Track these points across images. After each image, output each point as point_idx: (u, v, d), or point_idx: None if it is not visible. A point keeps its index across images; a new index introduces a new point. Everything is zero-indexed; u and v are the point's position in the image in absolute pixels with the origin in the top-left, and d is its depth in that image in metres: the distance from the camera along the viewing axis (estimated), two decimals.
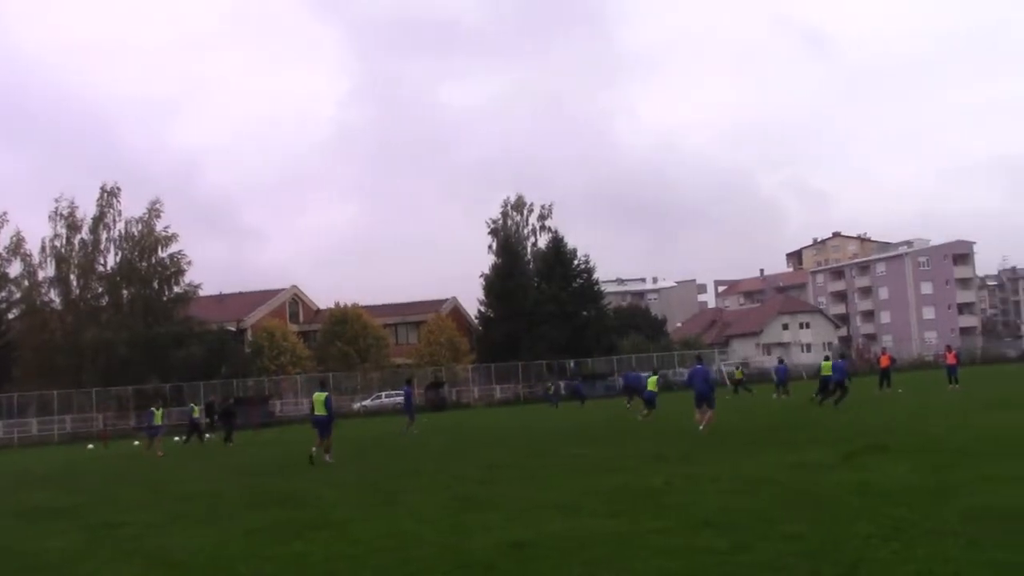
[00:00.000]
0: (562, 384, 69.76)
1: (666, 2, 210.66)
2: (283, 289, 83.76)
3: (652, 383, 32.09)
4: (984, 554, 7.40)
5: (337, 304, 77.38)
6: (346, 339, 71.88)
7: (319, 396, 22.47)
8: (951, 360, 39.17)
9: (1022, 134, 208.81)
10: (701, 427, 22.21)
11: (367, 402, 65.96)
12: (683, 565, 7.89)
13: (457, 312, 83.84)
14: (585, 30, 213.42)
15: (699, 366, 24.13)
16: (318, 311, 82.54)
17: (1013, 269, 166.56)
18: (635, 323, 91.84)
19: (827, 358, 34.33)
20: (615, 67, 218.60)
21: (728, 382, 52.20)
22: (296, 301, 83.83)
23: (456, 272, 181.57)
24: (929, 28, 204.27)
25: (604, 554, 8.55)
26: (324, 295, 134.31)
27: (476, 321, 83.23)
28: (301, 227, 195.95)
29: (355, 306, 75.90)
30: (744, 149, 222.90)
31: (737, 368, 49.67)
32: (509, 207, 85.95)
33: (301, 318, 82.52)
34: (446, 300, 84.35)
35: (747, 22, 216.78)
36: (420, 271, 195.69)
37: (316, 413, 22.25)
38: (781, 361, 48.97)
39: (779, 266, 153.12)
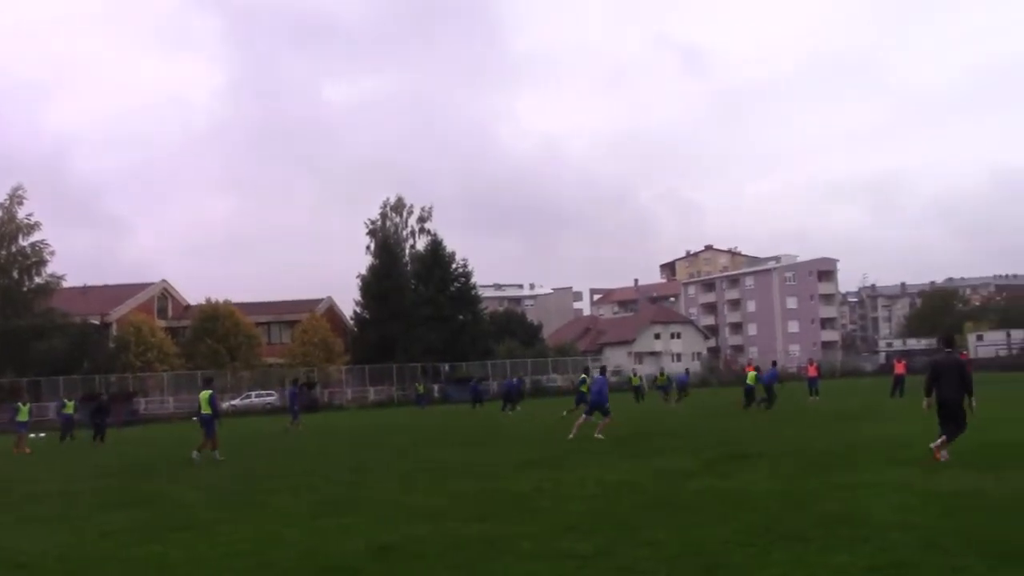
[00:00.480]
0: (435, 387, 69.67)
1: (551, 11, 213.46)
2: (152, 283, 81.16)
3: (585, 387, 31.68)
4: (835, 558, 7.66)
5: (208, 300, 75.50)
6: (216, 337, 70.17)
7: (204, 394, 22.29)
8: (812, 372, 40.66)
9: (883, 156, 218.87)
10: (597, 433, 22.45)
11: (236, 401, 64.48)
12: (547, 569, 7.93)
13: (332, 312, 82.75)
14: (469, 34, 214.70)
15: (600, 376, 24.33)
16: (188, 307, 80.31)
17: (872, 287, 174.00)
18: (511, 328, 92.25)
19: (756, 368, 35.66)
20: (498, 72, 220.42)
21: (646, 388, 52.81)
22: (165, 296, 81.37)
23: (333, 272, 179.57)
24: (801, 51, 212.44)
25: (469, 558, 8.53)
26: (195, 291, 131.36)
27: (352, 322, 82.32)
28: (173, 220, 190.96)
29: (227, 303, 74.16)
30: (623, 160, 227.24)
31: (661, 374, 50.04)
32: (388, 208, 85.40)
33: (170, 314, 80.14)
34: (321, 300, 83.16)
35: (629, 36, 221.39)
36: (296, 270, 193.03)
37: (201, 411, 21.99)
38: (687, 371, 50.62)
39: (653, 276, 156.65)
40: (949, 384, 13.73)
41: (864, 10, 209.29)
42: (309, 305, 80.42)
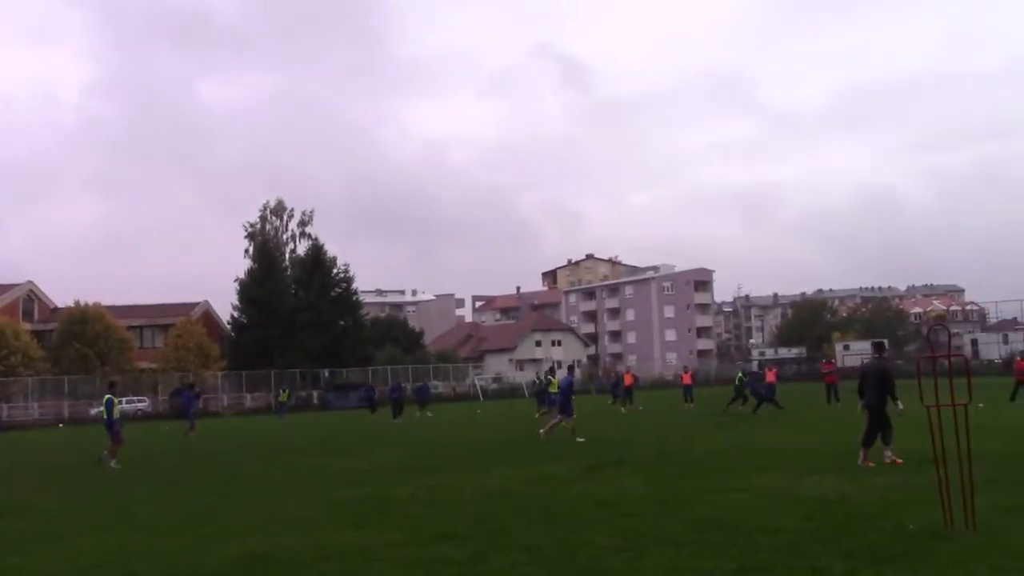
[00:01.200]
0: (314, 394, 68.66)
1: (436, 18, 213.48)
2: (17, 284, 77.84)
3: (554, 386, 30.95)
4: (705, 562, 7.82)
5: (77, 303, 72.72)
6: (85, 340, 67.59)
7: (105, 398, 21.98)
8: (687, 380, 41.61)
9: (757, 171, 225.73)
10: (543, 432, 22.83)
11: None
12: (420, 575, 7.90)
13: (209, 317, 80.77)
14: (352, 37, 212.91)
15: (568, 376, 24.27)
16: (55, 309, 77.27)
17: (746, 297, 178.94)
18: (392, 335, 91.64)
19: (686, 368, 36.17)
20: (382, 77, 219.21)
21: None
22: (31, 298, 78.10)
23: (210, 276, 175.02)
24: (679, 67, 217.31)
25: (341, 567, 8.42)
26: (64, 293, 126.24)
27: (229, 327, 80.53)
28: (41, 219, 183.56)
29: (96, 305, 71.54)
30: (506, 168, 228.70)
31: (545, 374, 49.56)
32: (268, 211, 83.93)
33: (36, 316, 76.97)
34: (198, 304, 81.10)
35: (512, 46, 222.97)
36: (171, 273, 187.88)
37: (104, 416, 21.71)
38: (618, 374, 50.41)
39: (535, 284, 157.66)
40: (871, 388, 14.38)
41: (740, 29, 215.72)
42: (184, 309, 78.31)
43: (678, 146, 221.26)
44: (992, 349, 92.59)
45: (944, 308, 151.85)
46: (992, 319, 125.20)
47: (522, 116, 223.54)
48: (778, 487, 12.20)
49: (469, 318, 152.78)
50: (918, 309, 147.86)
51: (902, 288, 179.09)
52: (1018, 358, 25.76)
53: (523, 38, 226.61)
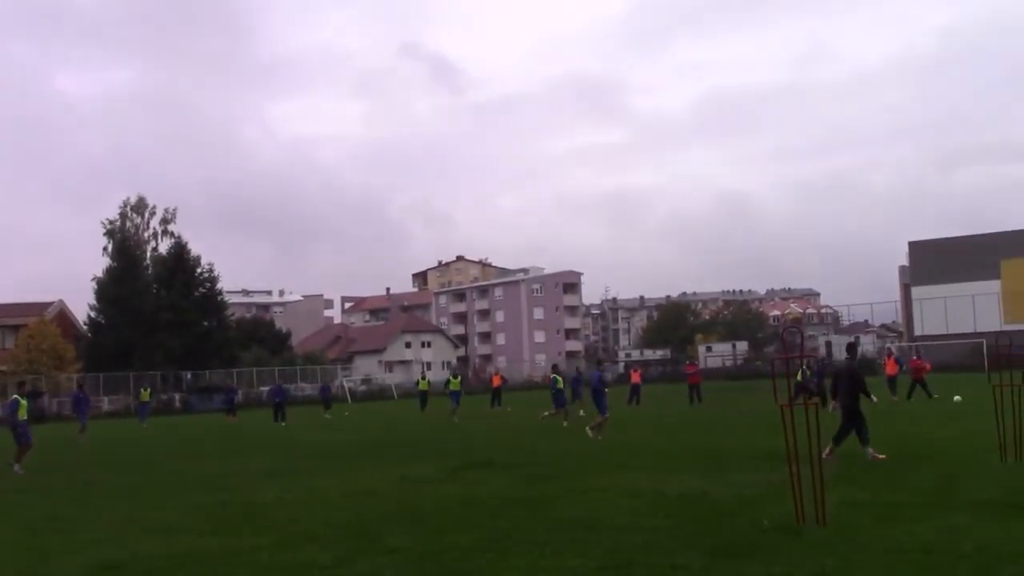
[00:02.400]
0: (176, 396, 66.74)
1: (303, 16, 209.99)
2: None
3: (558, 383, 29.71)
4: (568, 561, 7.93)
5: None
6: None
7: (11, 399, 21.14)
8: (636, 379, 42.15)
9: (624, 175, 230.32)
10: (591, 431, 21.52)
11: None
12: None
13: (64, 317, 77.54)
14: (217, 33, 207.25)
15: (597, 371, 23.39)
16: None
17: (614, 300, 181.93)
18: (258, 336, 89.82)
19: (631, 366, 35.70)
20: (248, 74, 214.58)
21: (349, 398, 51.96)
22: None
23: (65, 275, 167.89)
24: (547, 73, 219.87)
25: (201, 573, 8.22)
26: None
27: (85, 327, 77.52)
28: None
29: None
30: (375, 168, 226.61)
31: (423, 378, 47.42)
32: (128, 208, 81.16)
33: None
34: (52, 303, 77.81)
35: (379, 45, 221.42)
36: (22, 271, 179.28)
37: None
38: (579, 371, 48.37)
39: (405, 285, 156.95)
40: (843, 389, 14.86)
41: (609, 37, 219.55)
42: (37, 309, 74.96)
43: (547, 150, 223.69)
44: (844, 350, 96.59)
45: (801, 311, 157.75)
46: (845, 322, 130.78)
47: (391, 116, 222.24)
48: (641, 486, 12.46)
49: (338, 319, 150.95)
50: (777, 312, 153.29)
51: (762, 292, 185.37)
52: (913, 357, 26.57)
53: (393, 38, 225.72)
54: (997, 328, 71.94)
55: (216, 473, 17.55)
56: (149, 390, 49.48)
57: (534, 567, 7.81)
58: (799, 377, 24.83)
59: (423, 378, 45.07)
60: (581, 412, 29.25)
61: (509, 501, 11.64)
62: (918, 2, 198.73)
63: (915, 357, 29.08)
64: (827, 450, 13.48)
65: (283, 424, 36.38)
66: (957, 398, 27.45)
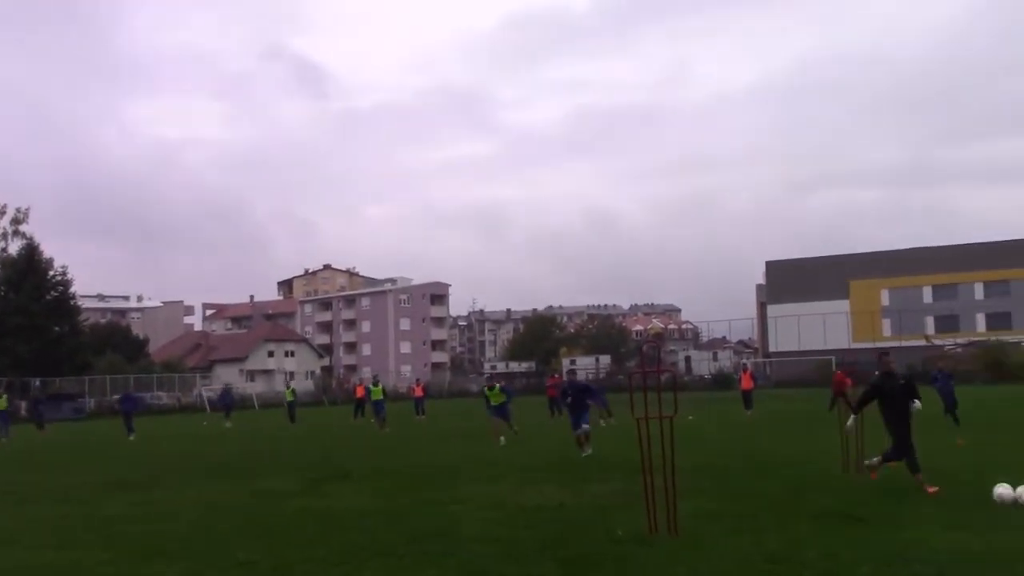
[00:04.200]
0: (22, 404, 63.69)
1: (165, 15, 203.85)
2: None
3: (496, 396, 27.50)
4: (424, 572, 7.88)
5: None
6: None
7: None
8: (419, 393, 42.06)
9: (493, 188, 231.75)
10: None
11: None
12: None
13: None
14: (74, 30, 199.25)
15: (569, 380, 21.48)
16: None
17: (481, 312, 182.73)
18: (113, 342, 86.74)
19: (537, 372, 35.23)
20: (104, 73, 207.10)
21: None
22: None
23: None
24: (417, 84, 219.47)
25: None
26: None
27: None
28: None
29: None
30: (240, 174, 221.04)
31: (288, 388, 45.41)
32: None
33: None
34: None
35: (251, 50, 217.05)
36: None
37: None
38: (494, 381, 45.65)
39: (270, 293, 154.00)
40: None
41: (481, 50, 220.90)
42: None
43: (416, 160, 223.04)
44: (703, 365, 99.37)
45: (663, 326, 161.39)
46: (704, 337, 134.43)
47: (257, 121, 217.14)
48: (499, 498, 12.50)
49: (199, 326, 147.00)
50: (639, 327, 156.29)
51: (626, 307, 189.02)
52: (837, 371, 26.69)
53: (260, 42, 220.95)
54: (846, 346, 75.30)
55: (60, 484, 16.82)
56: (5, 396, 39.95)
57: None
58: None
59: (288, 388, 44.42)
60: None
61: (365, 513, 11.50)
62: (776, 33, 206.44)
63: (838, 371, 29.51)
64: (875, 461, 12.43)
65: (131, 437, 33.01)
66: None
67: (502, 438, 22.97)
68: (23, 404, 64.33)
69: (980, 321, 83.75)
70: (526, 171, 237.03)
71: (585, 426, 18.50)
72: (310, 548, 9.24)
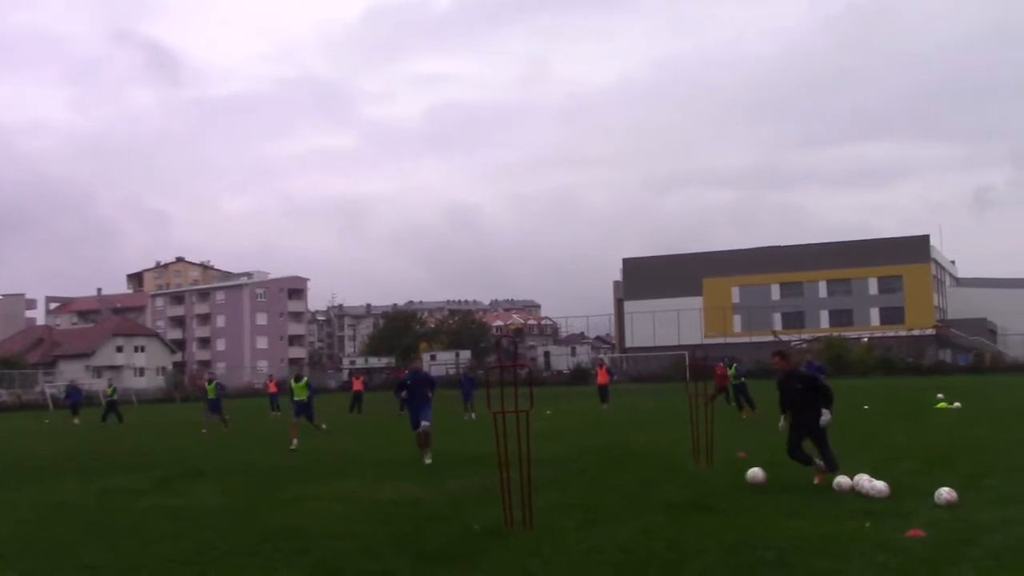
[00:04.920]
0: None
1: None
2: None
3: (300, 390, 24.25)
4: (278, 571, 7.76)
5: None
6: None
7: None
8: (272, 389, 41.52)
9: (352, 183, 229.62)
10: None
11: None
12: None
13: None
14: None
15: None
16: None
17: (340, 306, 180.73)
18: None
19: (354, 374, 34.09)
20: None
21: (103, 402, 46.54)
22: None
23: None
24: (277, 74, 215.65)
25: None
26: None
27: None
28: None
29: None
30: (86, 162, 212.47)
31: (109, 385, 43.28)
32: None
33: None
34: None
35: (99, 34, 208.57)
36: None
37: None
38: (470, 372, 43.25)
39: (120, 287, 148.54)
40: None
41: (344, 42, 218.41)
42: None
43: (275, 152, 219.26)
44: (562, 360, 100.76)
45: (522, 322, 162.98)
46: (563, 333, 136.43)
47: (104, 108, 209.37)
48: (355, 493, 12.41)
49: (42, 320, 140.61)
50: (499, 322, 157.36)
51: (486, 302, 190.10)
52: (720, 363, 27.05)
53: (110, 26, 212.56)
54: (699, 340, 77.61)
55: None
56: None
57: None
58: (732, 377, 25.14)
59: (110, 385, 42.61)
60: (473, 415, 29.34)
61: (217, 511, 11.24)
62: (635, 35, 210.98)
63: (721, 363, 30.07)
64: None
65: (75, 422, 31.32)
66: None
67: (295, 440, 20.73)
68: None
69: (824, 318, 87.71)
70: (387, 166, 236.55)
71: (425, 423, 15.97)
72: (158, 547, 8.99)
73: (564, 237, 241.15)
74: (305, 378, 23.65)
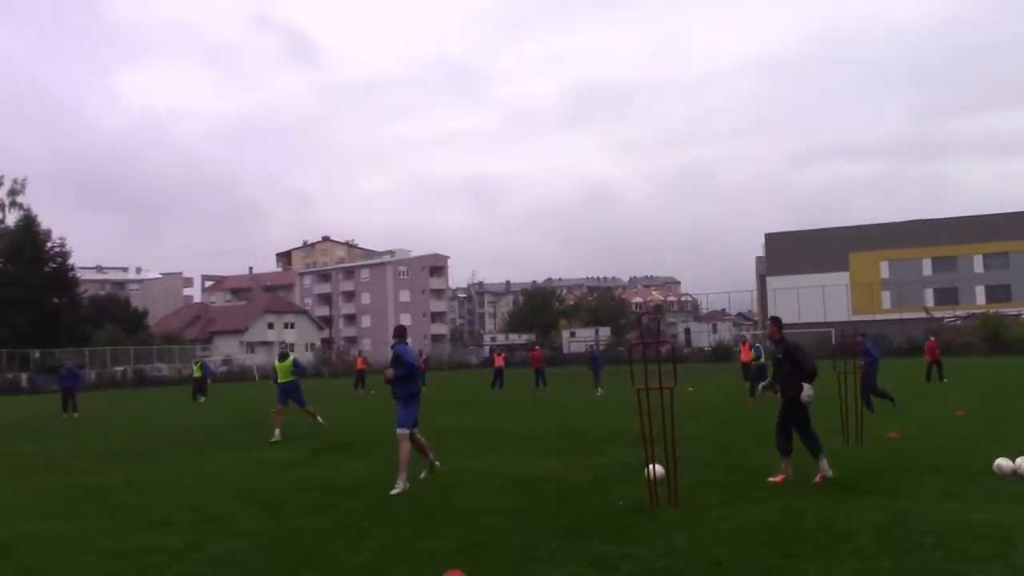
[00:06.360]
0: (23, 376, 63.82)
1: None
2: None
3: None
4: (424, 542, 7.92)
5: None
6: None
7: None
8: (360, 365, 42.94)
9: (489, 161, 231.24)
10: None
11: None
12: (132, 566, 7.52)
13: None
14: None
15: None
16: None
17: (480, 284, 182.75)
18: (113, 314, 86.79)
19: (496, 350, 35.17)
20: (93, 43, 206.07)
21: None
22: None
23: None
24: (413, 56, 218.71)
25: (43, 558, 7.88)
26: None
27: None
28: None
29: None
30: (234, 145, 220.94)
31: (197, 363, 41.04)
32: None
33: None
34: None
35: (233, 16, 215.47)
36: None
37: None
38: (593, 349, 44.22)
39: (269, 265, 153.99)
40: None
41: (476, 23, 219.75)
42: None
43: (413, 132, 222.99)
44: (703, 337, 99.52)
45: (662, 299, 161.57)
46: (704, 310, 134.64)
47: (249, 92, 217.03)
48: (498, 468, 12.56)
49: (198, 298, 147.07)
50: (639, 299, 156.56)
51: (625, 279, 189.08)
52: (745, 342, 26.81)
53: (249, 12, 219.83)
54: (845, 318, 75.35)
55: (59, 455, 16.89)
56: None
57: (389, 549, 7.76)
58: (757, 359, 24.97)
59: (197, 363, 40.67)
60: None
61: (365, 484, 11.54)
62: (775, 6, 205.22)
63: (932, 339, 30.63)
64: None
65: (75, 415, 29.28)
66: None
67: (277, 431, 18.29)
68: (24, 376, 64.52)
69: (980, 293, 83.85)
70: (524, 143, 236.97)
71: (402, 430, 11.34)
72: (311, 517, 9.29)
73: (702, 212, 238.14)
74: (292, 356, 20.01)
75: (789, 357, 10.62)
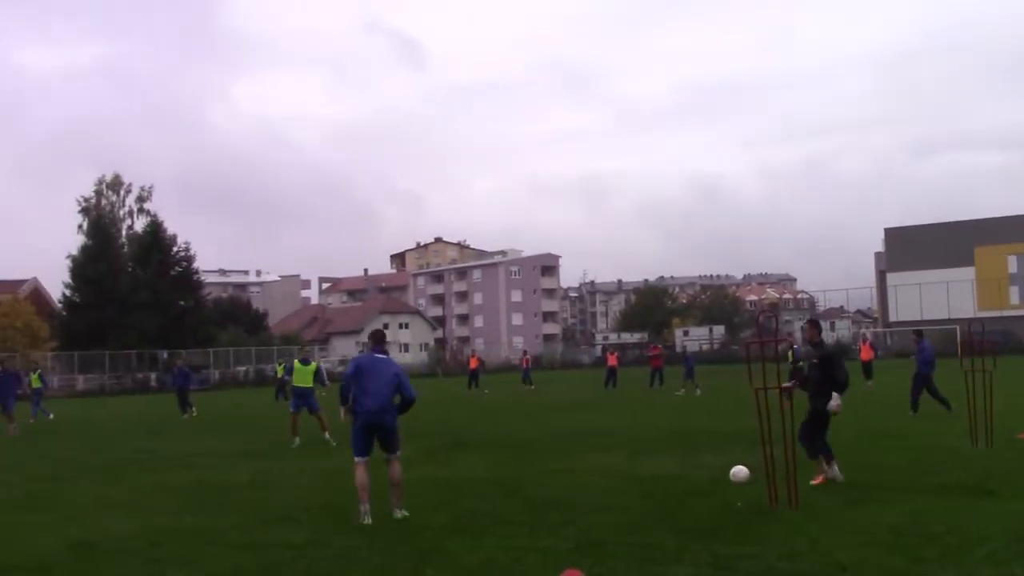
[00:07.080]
0: (152, 376, 66.23)
1: None
2: None
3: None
4: (541, 541, 7.94)
5: None
6: None
7: None
8: (473, 364, 42.90)
9: (599, 160, 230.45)
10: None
11: None
12: (257, 560, 7.75)
13: (38, 295, 76.90)
14: (178, 6, 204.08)
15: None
16: None
17: (592, 283, 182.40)
18: (235, 315, 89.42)
19: (608, 349, 35.54)
20: (211, 50, 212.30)
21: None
22: None
23: (38, 252, 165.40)
24: (521, 56, 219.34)
25: (173, 552, 8.18)
26: None
27: (60, 306, 76.83)
28: None
29: None
30: (347, 149, 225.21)
31: (279, 363, 40.69)
32: (104, 186, 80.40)
33: None
34: (25, 281, 77.14)
35: (347, 24, 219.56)
36: None
37: None
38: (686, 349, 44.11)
39: (383, 267, 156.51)
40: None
41: (586, 20, 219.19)
42: (10, 286, 74.29)
43: (523, 132, 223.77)
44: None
45: (777, 296, 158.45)
46: (821, 307, 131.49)
47: (360, 95, 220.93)
48: (614, 467, 12.51)
49: (315, 300, 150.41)
50: (753, 297, 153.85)
51: (739, 277, 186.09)
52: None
53: (363, 17, 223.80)
54: (971, 315, 72.65)
55: (187, 452, 17.47)
56: (39, 372, 34.11)
57: (508, 547, 7.81)
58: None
59: (280, 364, 38.77)
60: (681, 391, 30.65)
61: (482, 482, 11.65)
62: None
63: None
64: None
65: (193, 413, 29.53)
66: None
67: (296, 438, 17.91)
68: (152, 376, 67.01)
69: None
70: (634, 141, 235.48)
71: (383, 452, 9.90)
72: (430, 515, 9.40)
73: (817, 207, 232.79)
74: (315, 363, 19.00)
75: (823, 363, 10.39)
